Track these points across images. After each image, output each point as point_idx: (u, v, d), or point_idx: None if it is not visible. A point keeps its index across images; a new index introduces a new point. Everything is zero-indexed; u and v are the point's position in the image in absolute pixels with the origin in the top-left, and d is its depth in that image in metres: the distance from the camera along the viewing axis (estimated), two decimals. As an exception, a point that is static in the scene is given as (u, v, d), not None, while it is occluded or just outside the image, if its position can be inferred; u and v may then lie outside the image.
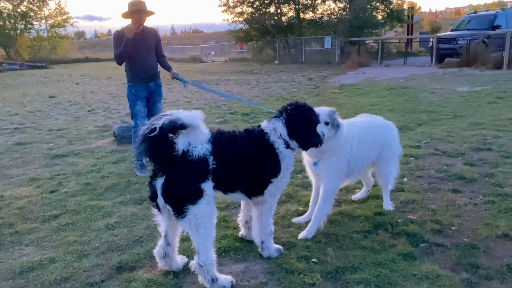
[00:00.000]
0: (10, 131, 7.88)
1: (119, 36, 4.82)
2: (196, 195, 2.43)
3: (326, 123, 3.10)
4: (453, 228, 3.26)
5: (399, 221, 3.41)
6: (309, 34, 26.78)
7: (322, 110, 3.13)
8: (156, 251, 2.78)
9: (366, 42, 24.20)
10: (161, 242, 2.77)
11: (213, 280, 2.52)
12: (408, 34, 28.62)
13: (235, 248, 3.08)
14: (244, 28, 28.80)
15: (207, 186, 2.48)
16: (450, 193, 3.99)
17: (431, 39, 19.81)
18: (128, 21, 4.86)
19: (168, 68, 5.16)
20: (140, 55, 4.88)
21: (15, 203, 4.12)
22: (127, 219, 3.69)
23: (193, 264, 2.53)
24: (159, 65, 5.17)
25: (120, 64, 4.95)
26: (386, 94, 11.11)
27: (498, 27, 17.27)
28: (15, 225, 3.60)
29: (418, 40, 26.52)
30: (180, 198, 2.43)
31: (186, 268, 2.80)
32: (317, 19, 28.18)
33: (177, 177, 2.43)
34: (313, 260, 2.87)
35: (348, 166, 3.34)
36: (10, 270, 2.87)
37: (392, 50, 24.90)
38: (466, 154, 5.20)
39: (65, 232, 3.45)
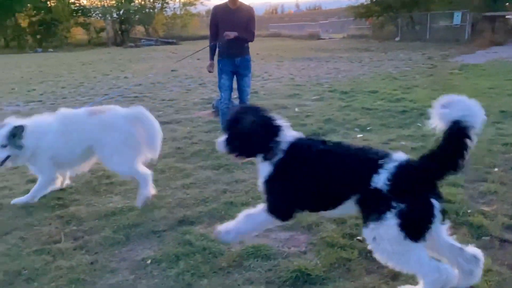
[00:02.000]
0: (131, 99, 9.00)
1: (213, 15, 5.24)
2: None
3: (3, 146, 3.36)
4: (529, 225, 2.93)
5: (469, 211, 3.17)
6: (437, 9, 24.47)
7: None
8: None
9: (506, 17, 21.30)
10: None
11: None
12: None
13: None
14: (365, 3, 27.57)
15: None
16: (544, 188, 3.53)
17: None
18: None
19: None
20: (229, 31, 5.10)
21: (117, 160, 4.81)
22: (201, 181, 4.07)
23: None
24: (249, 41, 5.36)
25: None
26: (513, 76, 9.81)
27: None
28: (112, 177, 4.23)
29: None
30: None
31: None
32: (448, -8, 25.59)
33: None
34: (358, 237, 2.87)
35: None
36: (98, 212, 3.44)
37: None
38: None
39: (148, 187, 3.95)
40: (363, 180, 2.07)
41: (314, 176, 2.20)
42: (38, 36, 35.53)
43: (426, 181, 2.04)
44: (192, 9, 45.32)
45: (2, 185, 4.12)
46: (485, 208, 3.21)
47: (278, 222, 2.39)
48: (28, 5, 34.94)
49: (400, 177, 2.01)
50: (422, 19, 24.32)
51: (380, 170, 2.04)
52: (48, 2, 36.53)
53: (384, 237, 2.02)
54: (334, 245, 2.77)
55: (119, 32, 38.55)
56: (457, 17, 21.53)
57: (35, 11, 35.63)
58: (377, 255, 2.15)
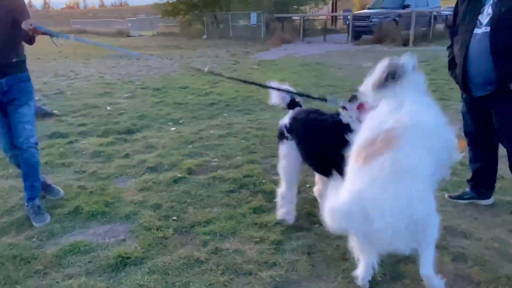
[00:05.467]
0: None
1: None
2: None
3: None
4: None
5: (263, 181, 3.81)
6: (236, 9, 26.74)
7: None
8: None
9: (293, 18, 24.73)
10: None
11: None
12: (333, 11, 29.55)
13: (102, 212, 3.29)
14: (170, 1, 28.13)
15: None
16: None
17: (349, 17, 20.67)
18: None
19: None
20: None
21: None
22: (4, 191, 3.75)
23: None
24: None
25: None
26: (298, 70, 11.62)
27: (407, 6, 18.38)
28: None
29: (341, 17, 27.51)
30: None
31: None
32: (245, -6, 28.15)
33: None
34: (173, 218, 3.17)
35: None
36: None
37: (317, 27, 25.66)
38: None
39: None
40: None
41: None
42: None
43: None
44: None
45: None
46: (275, 177, 3.90)
47: None
48: None
49: None
50: (225, 19, 26.20)
51: None
52: None
53: None
54: (151, 228, 3.01)
55: None
56: (253, 17, 23.92)
57: None
58: None
